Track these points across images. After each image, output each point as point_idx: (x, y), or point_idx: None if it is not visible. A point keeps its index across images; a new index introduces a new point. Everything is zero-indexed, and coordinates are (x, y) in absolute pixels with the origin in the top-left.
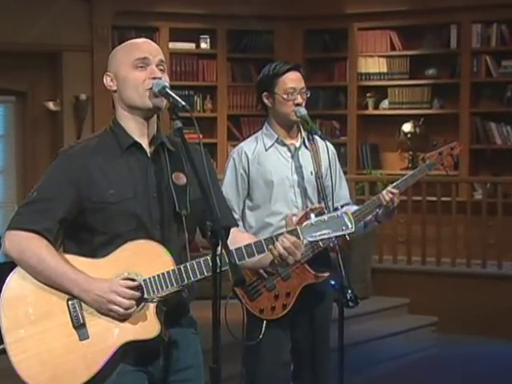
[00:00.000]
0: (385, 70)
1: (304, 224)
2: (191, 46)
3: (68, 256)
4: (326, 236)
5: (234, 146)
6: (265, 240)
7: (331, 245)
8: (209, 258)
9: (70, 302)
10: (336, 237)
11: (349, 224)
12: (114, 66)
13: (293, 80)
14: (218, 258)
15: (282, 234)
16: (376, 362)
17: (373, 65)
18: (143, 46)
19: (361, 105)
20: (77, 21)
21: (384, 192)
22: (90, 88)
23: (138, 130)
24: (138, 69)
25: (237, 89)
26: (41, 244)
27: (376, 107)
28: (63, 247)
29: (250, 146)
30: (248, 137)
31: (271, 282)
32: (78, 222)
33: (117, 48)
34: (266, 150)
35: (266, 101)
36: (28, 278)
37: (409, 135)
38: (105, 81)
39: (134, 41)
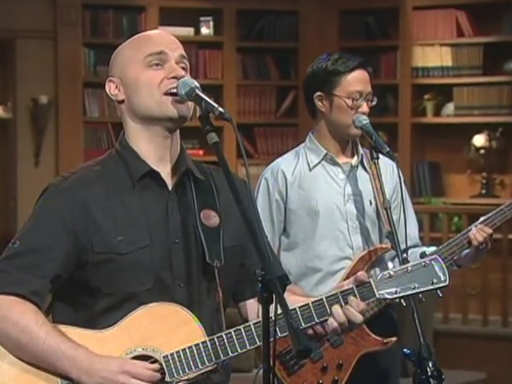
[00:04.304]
0: (449, 64)
1: (379, 276)
2: (188, 31)
3: (61, 327)
4: (410, 292)
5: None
6: (327, 299)
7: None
8: (251, 324)
9: None
10: (424, 292)
11: (441, 275)
12: (118, 67)
13: (360, 82)
14: (271, 320)
15: (350, 290)
16: None
17: (433, 56)
18: (157, 37)
19: (416, 110)
20: None
21: (474, 228)
22: (52, 88)
23: (155, 154)
24: (153, 67)
25: (249, 89)
26: (26, 310)
27: (437, 113)
28: (52, 314)
29: (288, 164)
30: (264, 153)
31: (317, 349)
32: (74, 279)
33: (122, 45)
34: (311, 170)
35: (318, 104)
36: (9, 358)
37: (482, 151)
38: (107, 89)
39: (144, 33)
